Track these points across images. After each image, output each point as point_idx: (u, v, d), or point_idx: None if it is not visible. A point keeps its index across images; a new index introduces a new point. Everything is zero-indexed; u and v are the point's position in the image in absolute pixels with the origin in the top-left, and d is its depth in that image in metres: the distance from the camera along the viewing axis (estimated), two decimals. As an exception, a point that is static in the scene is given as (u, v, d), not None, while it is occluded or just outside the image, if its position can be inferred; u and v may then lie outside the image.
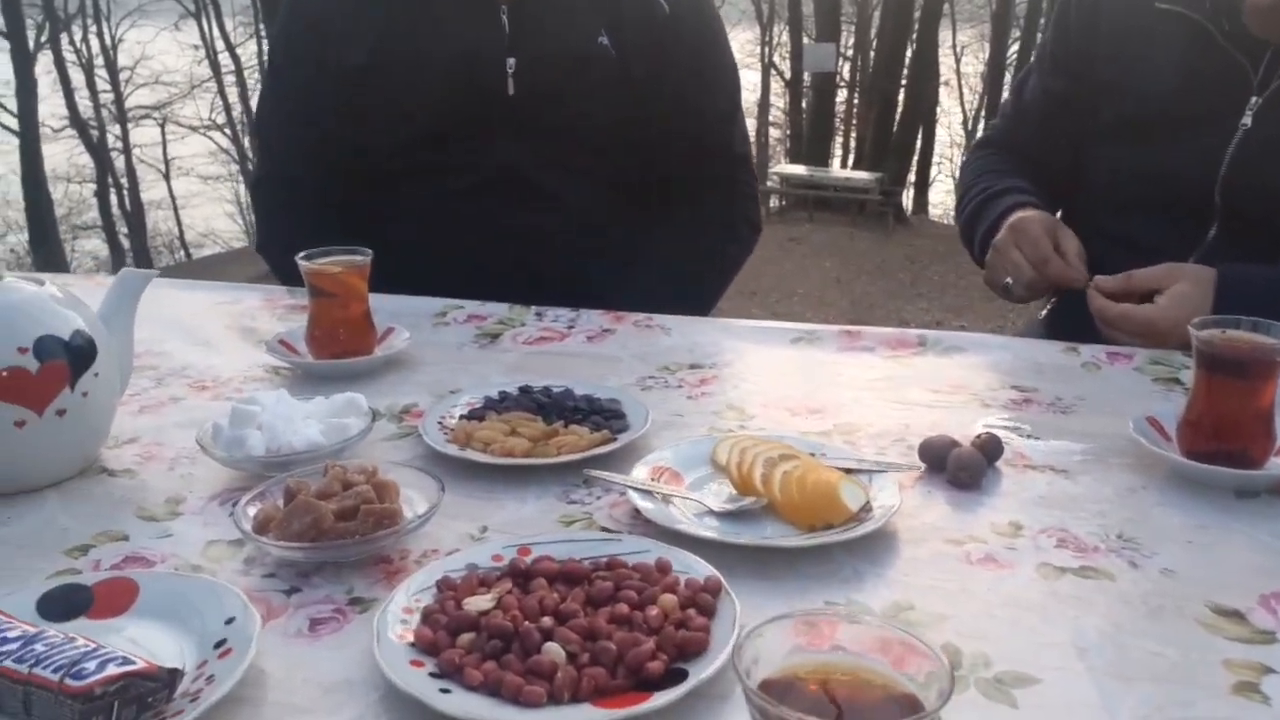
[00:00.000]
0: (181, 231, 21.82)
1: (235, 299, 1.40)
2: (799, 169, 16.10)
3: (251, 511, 0.74)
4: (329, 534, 0.70)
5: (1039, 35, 19.41)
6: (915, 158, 17.30)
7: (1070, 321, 1.26)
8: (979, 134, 1.70)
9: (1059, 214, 1.48)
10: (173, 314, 1.30)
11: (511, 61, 1.42)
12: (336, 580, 0.70)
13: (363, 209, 1.63)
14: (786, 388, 1.05)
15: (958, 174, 1.59)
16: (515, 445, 0.86)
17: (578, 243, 1.51)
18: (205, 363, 1.15)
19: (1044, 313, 1.56)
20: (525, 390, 0.99)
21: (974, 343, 1.17)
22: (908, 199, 16.82)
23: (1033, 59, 1.56)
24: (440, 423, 0.93)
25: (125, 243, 18.48)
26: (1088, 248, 1.28)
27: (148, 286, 0.96)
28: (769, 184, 15.61)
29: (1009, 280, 1.29)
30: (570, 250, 1.50)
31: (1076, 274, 1.23)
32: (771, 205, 15.19)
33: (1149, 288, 1.16)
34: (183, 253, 21.42)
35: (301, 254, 1.11)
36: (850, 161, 18.32)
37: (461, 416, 0.94)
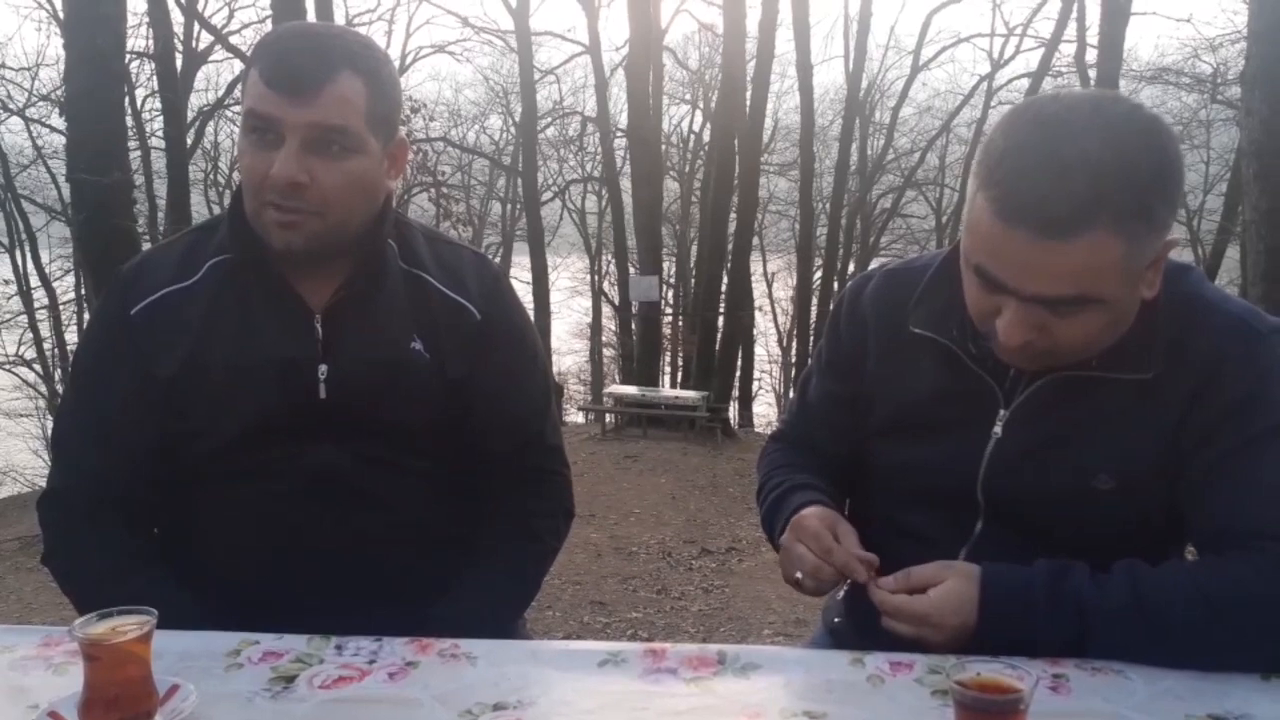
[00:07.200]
0: (-25, 472, 20.03)
1: (7, 646, 1.29)
2: (631, 389, 16.67)
3: None
4: None
5: (837, 265, 21.56)
6: (737, 375, 18.30)
7: (864, 604, 1.32)
8: (787, 405, 1.82)
9: (847, 504, 1.60)
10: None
11: (324, 368, 1.45)
12: None
13: (167, 520, 1.58)
14: (589, 733, 1.06)
15: (756, 464, 1.70)
16: None
17: (397, 543, 1.50)
18: (-40, 747, 1.05)
19: (841, 593, 1.64)
20: (314, 768, 0.95)
21: (769, 659, 1.21)
22: (734, 413, 17.61)
23: (810, 361, 1.71)
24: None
25: (-94, 487, 16.85)
26: (875, 537, 1.37)
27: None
28: (605, 402, 15.99)
29: (799, 575, 1.36)
30: (389, 551, 1.49)
31: (857, 566, 1.30)
32: (607, 422, 15.53)
33: (925, 584, 1.26)
34: (-24, 495, 19.57)
35: (78, 620, 1.05)
36: (679, 380, 19.17)
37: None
